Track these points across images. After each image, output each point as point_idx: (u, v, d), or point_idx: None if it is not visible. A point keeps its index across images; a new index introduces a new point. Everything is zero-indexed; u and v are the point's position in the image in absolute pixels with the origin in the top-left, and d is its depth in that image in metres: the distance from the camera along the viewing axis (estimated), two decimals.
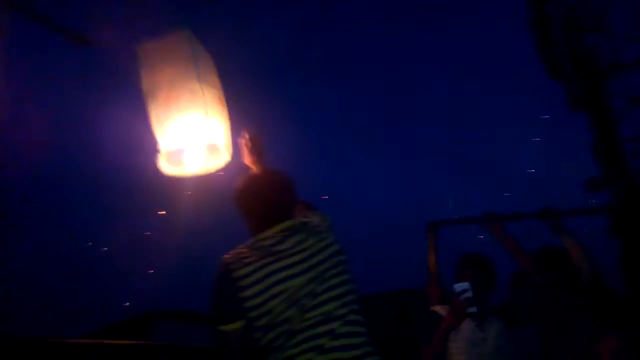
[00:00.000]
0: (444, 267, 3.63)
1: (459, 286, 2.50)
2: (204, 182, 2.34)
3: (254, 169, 2.18)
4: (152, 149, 2.20)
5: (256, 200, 1.98)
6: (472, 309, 2.44)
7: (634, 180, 5.03)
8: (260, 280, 1.79)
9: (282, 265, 1.82)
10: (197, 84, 2.11)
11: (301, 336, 1.75)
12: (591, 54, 5.51)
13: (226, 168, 2.35)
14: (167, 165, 2.19)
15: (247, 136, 2.24)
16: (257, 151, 2.22)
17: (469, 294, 2.45)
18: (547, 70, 5.70)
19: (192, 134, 2.18)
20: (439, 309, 2.82)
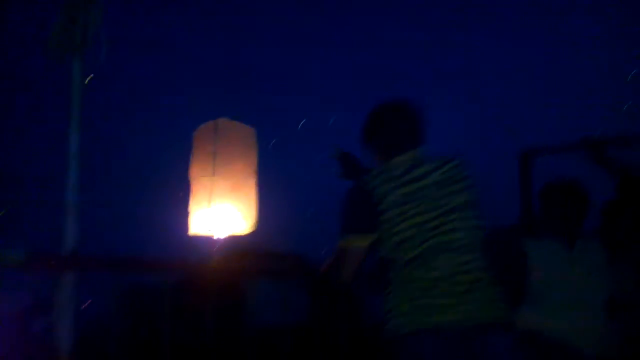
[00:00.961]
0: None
1: None
2: None
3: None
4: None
5: (392, 124, 2.01)
6: None
7: None
8: (396, 201, 1.84)
9: (416, 187, 1.86)
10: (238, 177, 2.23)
11: (435, 259, 1.79)
12: None
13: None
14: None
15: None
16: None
17: None
18: None
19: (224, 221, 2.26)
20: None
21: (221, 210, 2.20)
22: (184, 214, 2.31)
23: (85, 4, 1.96)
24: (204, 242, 2.29)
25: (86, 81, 1.98)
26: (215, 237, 2.30)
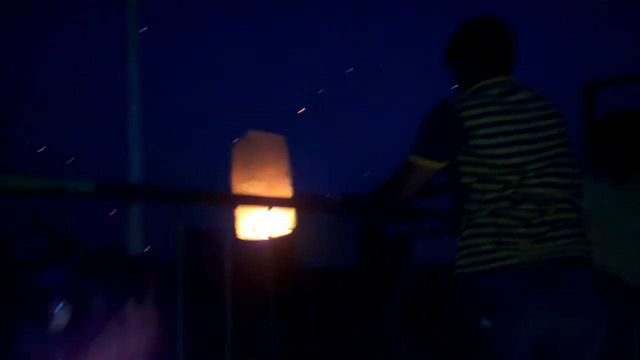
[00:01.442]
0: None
1: None
2: None
3: None
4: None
5: (488, 40, 1.82)
6: None
7: None
8: (490, 128, 1.69)
9: (512, 118, 1.72)
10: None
11: (526, 198, 1.67)
12: None
13: None
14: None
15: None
16: None
17: None
18: None
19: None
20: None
21: (262, 212, 2.33)
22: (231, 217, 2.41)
23: None
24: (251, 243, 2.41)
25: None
26: (261, 238, 2.43)
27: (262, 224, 2.35)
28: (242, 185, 2.34)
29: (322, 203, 2.10)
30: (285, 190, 2.40)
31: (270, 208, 2.20)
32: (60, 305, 1.15)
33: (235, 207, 1.99)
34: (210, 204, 2.02)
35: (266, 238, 2.41)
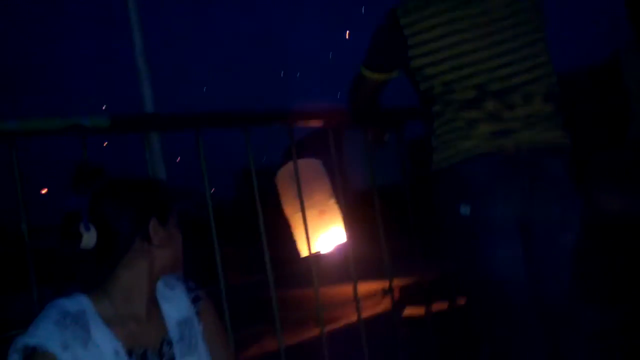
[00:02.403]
0: None
1: None
2: None
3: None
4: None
5: None
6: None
7: None
8: (440, 30, 1.65)
9: (463, 14, 1.65)
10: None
11: (481, 86, 1.64)
12: None
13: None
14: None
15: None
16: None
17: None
18: None
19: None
20: None
21: (319, 232, 2.60)
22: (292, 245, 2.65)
23: None
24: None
25: None
26: (321, 253, 2.71)
27: (319, 239, 2.63)
28: (295, 217, 2.59)
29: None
30: (334, 211, 2.69)
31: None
32: (87, 226, 1.18)
33: (248, 125, 1.99)
34: (227, 126, 2.01)
35: (326, 251, 2.71)
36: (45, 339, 1.09)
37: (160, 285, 1.33)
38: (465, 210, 1.64)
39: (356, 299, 2.23)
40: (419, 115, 1.91)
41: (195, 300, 1.37)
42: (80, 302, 1.18)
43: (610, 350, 2.34)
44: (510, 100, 1.65)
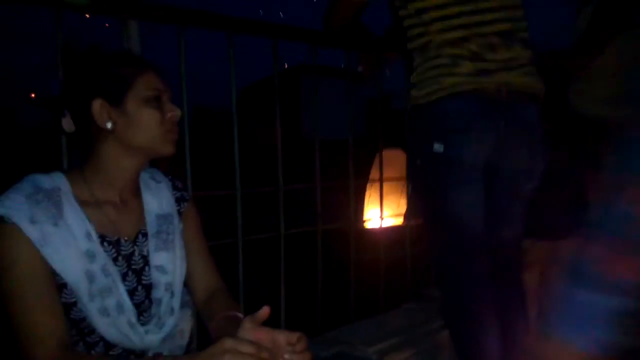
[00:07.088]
0: None
1: None
2: None
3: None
4: None
5: None
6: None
7: None
8: None
9: None
10: None
11: (465, 26, 1.65)
12: None
13: None
14: None
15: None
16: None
17: None
18: None
19: None
20: None
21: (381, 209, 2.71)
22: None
23: None
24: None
25: None
26: (380, 227, 2.84)
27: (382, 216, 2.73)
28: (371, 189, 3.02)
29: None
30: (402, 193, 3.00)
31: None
32: (63, 112, 1.16)
33: (232, 30, 1.91)
34: (212, 27, 1.91)
35: (384, 226, 2.86)
36: (13, 210, 1.05)
37: (146, 176, 1.30)
38: (438, 147, 1.64)
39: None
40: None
41: (180, 200, 1.34)
42: (57, 180, 1.14)
43: None
44: (493, 42, 1.66)
